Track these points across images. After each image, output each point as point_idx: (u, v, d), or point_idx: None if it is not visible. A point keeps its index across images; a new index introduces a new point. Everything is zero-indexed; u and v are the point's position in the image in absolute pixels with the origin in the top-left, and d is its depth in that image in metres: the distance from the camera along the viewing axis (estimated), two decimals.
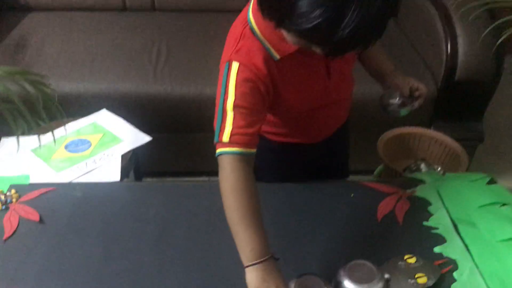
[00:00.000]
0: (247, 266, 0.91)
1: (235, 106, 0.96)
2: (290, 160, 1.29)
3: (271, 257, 0.92)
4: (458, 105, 1.99)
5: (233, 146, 0.96)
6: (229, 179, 0.96)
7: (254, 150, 0.98)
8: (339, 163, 1.46)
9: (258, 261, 0.90)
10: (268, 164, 1.23)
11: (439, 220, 1.17)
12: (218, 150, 0.97)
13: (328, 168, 1.39)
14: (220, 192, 0.97)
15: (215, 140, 0.97)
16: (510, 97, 2.24)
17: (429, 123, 2.03)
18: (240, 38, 0.99)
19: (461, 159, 1.53)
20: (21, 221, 1.17)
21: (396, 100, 1.21)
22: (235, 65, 0.97)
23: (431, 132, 1.66)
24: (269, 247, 0.93)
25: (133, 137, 1.57)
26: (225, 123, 0.96)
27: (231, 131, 0.95)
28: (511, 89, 1.86)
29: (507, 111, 2.51)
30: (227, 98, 0.96)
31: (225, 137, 0.95)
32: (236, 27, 1.03)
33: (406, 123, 1.65)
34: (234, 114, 0.96)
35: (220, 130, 0.96)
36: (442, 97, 1.97)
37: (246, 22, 1.00)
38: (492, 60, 1.86)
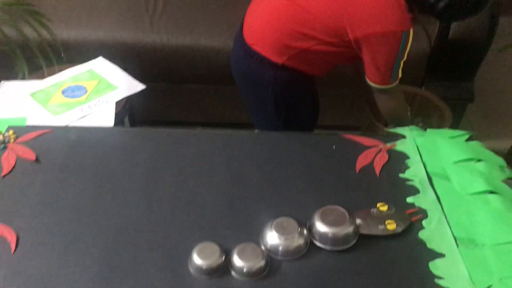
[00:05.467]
0: None
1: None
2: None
3: None
4: (450, 64, 2.01)
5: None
6: (402, 97, 1.49)
7: None
8: None
9: None
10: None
11: (415, 173, 1.23)
12: (394, 85, 1.39)
13: None
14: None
15: (393, 80, 1.37)
16: (502, 58, 2.25)
17: (421, 82, 2.07)
18: (400, 8, 1.25)
19: (445, 116, 1.58)
20: (18, 160, 1.23)
21: None
22: (411, 32, 1.28)
23: (417, 90, 1.70)
24: None
25: (128, 85, 1.61)
26: (398, 73, 1.36)
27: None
28: (504, 51, 1.87)
29: (498, 72, 2.52)
30: (403, 58, 1.32)
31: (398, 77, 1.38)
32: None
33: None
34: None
35: (397, 75, 1.36)
36: (434, 55, 1.99)
37: None
38: (486, 20, 1.87)
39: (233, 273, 0.99)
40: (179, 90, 2.12)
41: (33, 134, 1.31)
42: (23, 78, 1.17)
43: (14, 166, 1.21)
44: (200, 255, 0.99)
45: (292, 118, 1.52)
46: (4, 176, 1.19)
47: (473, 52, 1.99)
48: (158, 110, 2.17)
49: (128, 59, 1.92)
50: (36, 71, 1.66)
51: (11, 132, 1.30)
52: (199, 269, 0.98)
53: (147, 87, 1.64)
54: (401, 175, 1.23)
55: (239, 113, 1.93)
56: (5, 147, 1.26)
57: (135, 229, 1.08)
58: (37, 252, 1.02)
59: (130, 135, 1.39)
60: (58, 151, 1.27)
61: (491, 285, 0.92)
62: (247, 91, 1.57)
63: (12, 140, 1.28)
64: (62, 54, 1.17)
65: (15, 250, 1.02)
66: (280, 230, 1.04)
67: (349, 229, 1.05)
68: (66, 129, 1.37)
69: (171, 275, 0.99)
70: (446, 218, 1.11)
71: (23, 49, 1.58)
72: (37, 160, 1.24)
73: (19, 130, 1.32)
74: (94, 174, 1.21)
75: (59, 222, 1.09)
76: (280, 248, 1.03)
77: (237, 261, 0.99)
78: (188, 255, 1.01)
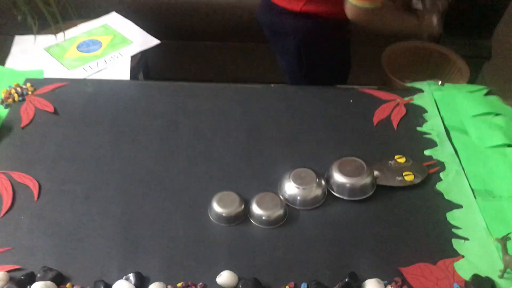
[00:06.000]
0: None
1: None
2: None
3: None
4: (468, 21, 1.97)
5: None
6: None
7: None
8: None
9: None
10: None
11: (432, 126, 1.23)
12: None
13: None
14: None
15: None
16: None
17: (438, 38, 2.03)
18: None
19: (462, 72, 1.56)
20: (37, 111, 1.24)
21: None
22: None
23: (434, 46, 1.67)
24: None
25: (143, 40, 1.61)
26: None
27: None
28: None
29: None
30: None
31: None
32: None
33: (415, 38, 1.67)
34: None
35: None
36: (452, 11, 1.94)
37: None
38: None
39: (252, 221, 1.01)
40: (193, 47, 2.10)
41: (50, 87, 1.31)
42: (35, 33, 1.17)
43: (33, 118, 1.22)
44: (219, 203, 1.00)
45: (315, 72, 1.52)
46: (24, 127, 1.20)
47: (491, 9, 1.94)
48: (171, 68, 2.17)
49: (141, 15, 1.90)
50: (48, 27, 1.64)
51: (28, 84, 1.31)
52: (219, 216, 1.00)
53: (160, 43, 1.63)
54: (418, 128, 1.23)
55: (254, 70, 1.92)
56: (23, 99, 1.27)
57: (154, 178, 1.09)
58: (59, 199, 1.04)
59: (146, 88, 1.38)
60: (75, 103, 1.27)
61: (510, 233, 0.93)
62: (274, 46, 1.58)
63: (30, 92, 1.28)
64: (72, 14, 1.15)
65: (38, 197, 1.04)
66: (298, 181, 1.04)
67: (367, 179, 1.05)
68: (83, 81, 1.37)
69: (192, 222, 1.00)
70: (463, 170, 1.11)
71: (31, 6, 1.56)
72: (55, 112, 1.24)
73: (36, 83, 1.32)
74: (112, 126, 1.21)
75: (79, 171, 1.10)
76: (298, 198, 1.04)
77: (256, 209, 1.00)
78: (208, 204, 1.02)
